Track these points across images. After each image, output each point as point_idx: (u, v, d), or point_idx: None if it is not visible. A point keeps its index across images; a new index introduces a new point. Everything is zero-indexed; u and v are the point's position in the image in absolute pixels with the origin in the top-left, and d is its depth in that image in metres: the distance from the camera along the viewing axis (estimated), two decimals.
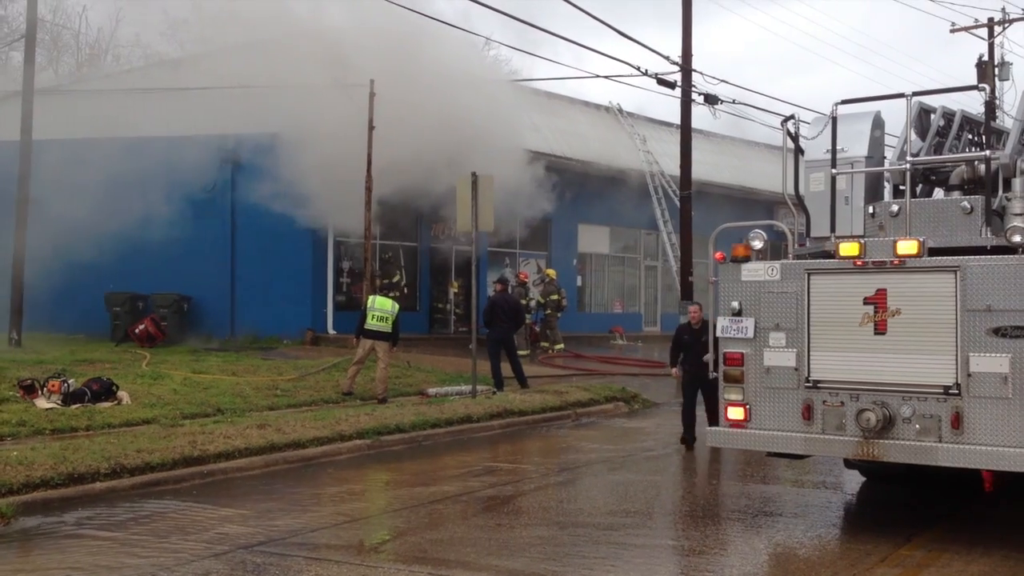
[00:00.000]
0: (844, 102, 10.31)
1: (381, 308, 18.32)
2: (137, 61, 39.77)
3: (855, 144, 10.47)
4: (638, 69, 23.29)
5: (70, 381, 15.80)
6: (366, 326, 18.27)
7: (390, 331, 18.22)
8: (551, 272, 29.26)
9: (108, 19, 43.58)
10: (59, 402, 15.20)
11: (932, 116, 11.36)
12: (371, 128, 21.55)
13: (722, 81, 25.72)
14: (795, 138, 10.71)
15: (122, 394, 15.97)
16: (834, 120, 10.25)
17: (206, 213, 25.48)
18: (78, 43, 46.46)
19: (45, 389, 15.46)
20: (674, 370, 15.23)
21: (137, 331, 24.80)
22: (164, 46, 29.51)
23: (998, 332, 8.63)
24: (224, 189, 24.32)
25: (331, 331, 25.57)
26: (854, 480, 12.03)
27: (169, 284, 25.87)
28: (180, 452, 12.10)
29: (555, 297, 27.85)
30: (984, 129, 10.91)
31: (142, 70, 30.10)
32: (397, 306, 18.68)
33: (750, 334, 9.77)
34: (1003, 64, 37.02)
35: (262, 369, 20.41)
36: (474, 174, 17.95)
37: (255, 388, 18.06)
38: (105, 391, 15.78)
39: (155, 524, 9.78)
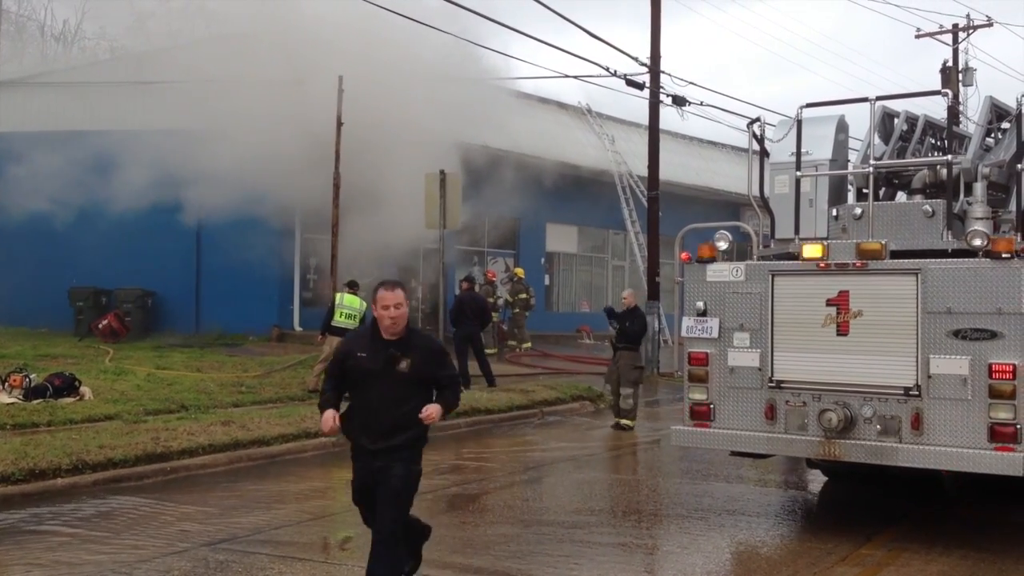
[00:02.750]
0: (809, 105, 10.41)
1: (349, 306, 18.27)
2: (103, 54, 39.41)
3: (819, 147, 10.57)
4: (607, 70, 23.39)
5: (32, 376, 15.64)
6: (333, 323, 18.21)
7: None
8: (519, 271, 29.30)
9: (74, 11, 43.13)
10: (20, 397, 15.03)
11: (895, 120, 11.49)
12: (339, 124, 21.45)
13: (690, 83, 25.99)
14: (760, 140, 10.80)
15: (85, 389, 15.82)
16: (799, 123, 10.33)
17: (171, 207, 25.27)
18: (43, 35, 45.93)
19: (6, 384, 15.29)
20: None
21: (100, 326, 24.58)
22: (130, 39, 29.21)
23: (958, 334, 8.75)
24: (189, 183, 24.11)
25: (297, 328, 25.45)
26: (816, 480, 12.15)
27: (133, 279, 25.66)
28: (143, 448, 12.00)
29: (524, 296, 27.87)
30: (946, 134, 11.06)
31: (106, 63, 29.84)
32: (365, 304, 18.62)
33: (715, 334, 9.85)
34: (967, 70, 37.45)
35: (227, 365, 20.29)
36: (442, 172, 17.96)
37: (220, 385, 17.95)
38: (67, 386, 15.63)
39: (116, 521, 9.71)
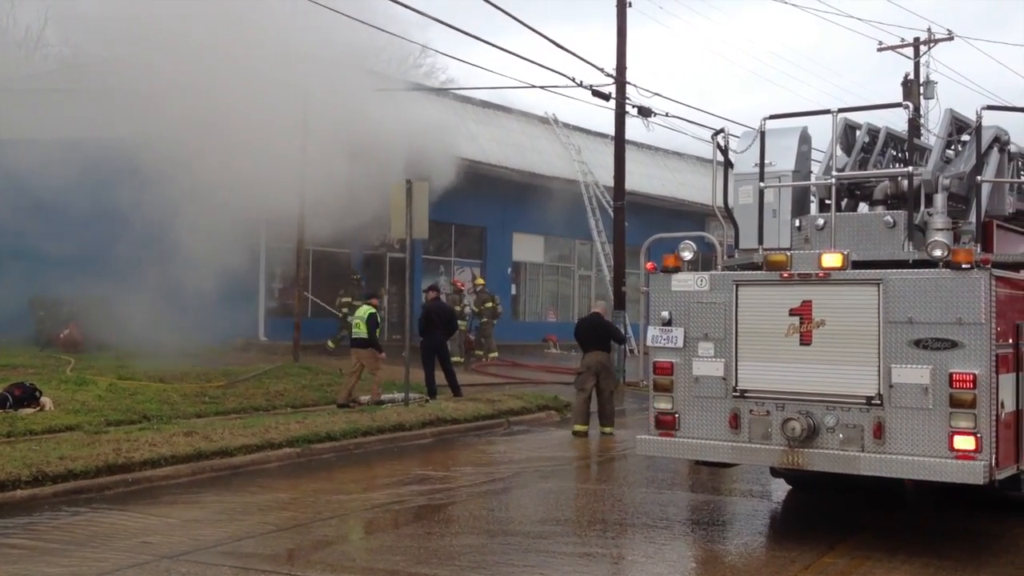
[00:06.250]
0: (772, 117, 10.49)
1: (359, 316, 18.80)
2: (67, 61, 38.97)
3: (783, 158, 10.66)
4: (573, 80, 23.47)
5: None
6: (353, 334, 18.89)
7: (366, 337, 18.54)
8: (480, 280, 29.35)
9: (36, 17, 42.63)
10: None
11: (858, 132, 11.61)
12: (304, 135, 21.41)
13: (656, 94, 26.08)
14: (725, 152, 10.87)
15: (45, 400, 15.62)
16: (762, 135, 10.41)
17: (134, 217, 25.02)
18: (5, 40, 45.35)
19: None
20: None
21: (62, 336, 24.27)
22: (93, 46, 28.87)
23: (919, 344, 8.84)
24: (153, 192, 23.87)
25: (262, 338, 25.30)
26: (780, 489, 12.22)
27: (96, 289, 25.33)
28: (104, 460, 11.86)
29: (490, 305, 27.89)
30: (907, 146, 11.19)
31: (69, 70, 29.55)
32: (368, 309, 18.77)
33: (679, 344, 9.89)
34: (928, 83, 37.89)
35: (190, 376, 20.12)
36: (408, 181, 17.92)
37: (183, 395, 17.79)
38: (28, 397, 15.43)
39: (77, 533, 9.59)
